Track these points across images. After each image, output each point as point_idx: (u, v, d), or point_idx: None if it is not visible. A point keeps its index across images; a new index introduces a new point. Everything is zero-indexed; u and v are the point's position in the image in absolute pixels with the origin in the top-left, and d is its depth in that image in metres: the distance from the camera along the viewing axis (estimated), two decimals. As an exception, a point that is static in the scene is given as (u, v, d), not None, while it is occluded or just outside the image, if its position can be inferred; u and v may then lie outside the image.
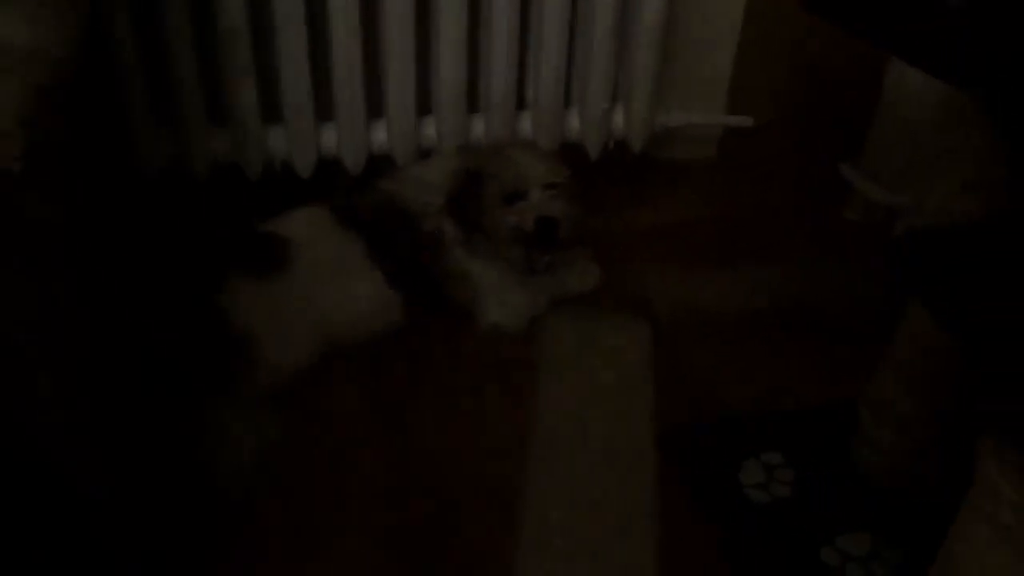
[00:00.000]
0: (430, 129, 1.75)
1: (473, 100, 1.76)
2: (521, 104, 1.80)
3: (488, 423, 1.43)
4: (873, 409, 1.28)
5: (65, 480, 0.86)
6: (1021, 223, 0.92)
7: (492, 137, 1.76)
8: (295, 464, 1.33)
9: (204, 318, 1.35)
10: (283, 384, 1.40)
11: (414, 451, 1.36)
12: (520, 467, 1.34)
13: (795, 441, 1.38)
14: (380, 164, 1.73)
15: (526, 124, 1.80)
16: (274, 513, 1.25)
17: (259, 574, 1.18)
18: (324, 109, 1.68)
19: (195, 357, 1.32)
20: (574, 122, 1.83)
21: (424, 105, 1.74)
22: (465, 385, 1.49)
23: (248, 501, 1.26)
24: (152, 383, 1.19)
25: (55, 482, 0.85)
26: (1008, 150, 0.96)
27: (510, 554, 1.21)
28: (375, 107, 1.71)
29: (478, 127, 1.77)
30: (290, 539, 1.22)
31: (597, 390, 1.49)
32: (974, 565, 0.87)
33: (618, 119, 1.85)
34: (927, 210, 1.18)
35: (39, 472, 0.83)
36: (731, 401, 1.46)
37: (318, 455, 1.35)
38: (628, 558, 1.22)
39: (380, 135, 1.73)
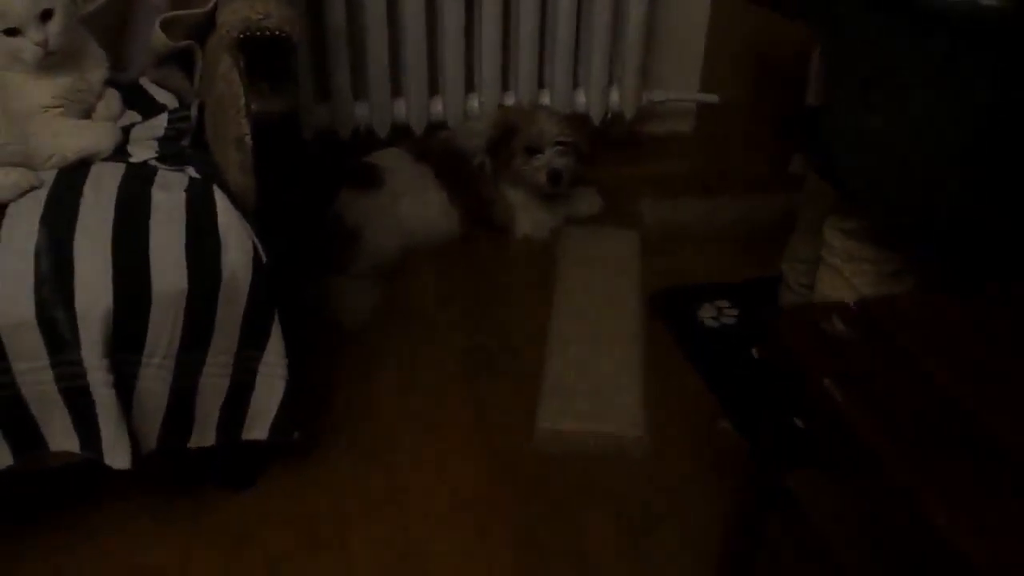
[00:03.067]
0: (474, 102, 2.38)
1: (505, 81, 2.39)
2: (541, 83, 2.43)
3: (524, 296, 2.02)
4: (789, 263, 1.85)
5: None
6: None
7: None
8: (388, 314, 1.92)
9: (330, 219, 1.96)
10: (382, 265, 2.00)
11: (471, 309, 1.95)
12: (548, 318, 1.92)
13: (740, 295, 1.95)
14: (435, 127, 2.35)
15: (545, 99, 2.42)
16: (380, 340, 1.84)
17: (360, 374, 1.75)
18: (397, 87, 2.31)
19: (329, 244, 1.93)
20: (581, 97, 2.45)
21: (470, 84, 2.37)
22: (506, 272, 2.08)
23: (358, 333, 1.85)
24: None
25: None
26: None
27: (544, 366, 1.77)
28: (434, 86, 2.34)
29: (509, 100, 2.40)
30: (386, 355, 1.80)
31: (600, 274, 2.07)
32: (825, 292, 1.45)
33: (614, 95, 2.47)
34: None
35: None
36: (696, 279, 2.04)
37: (406, 309, 1.94)
38: (624, 365, 1.79)
39: (437, 107, 2.36)
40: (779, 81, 2.51)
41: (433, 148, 2.17)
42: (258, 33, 1.25)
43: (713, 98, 2.58)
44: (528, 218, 2.18)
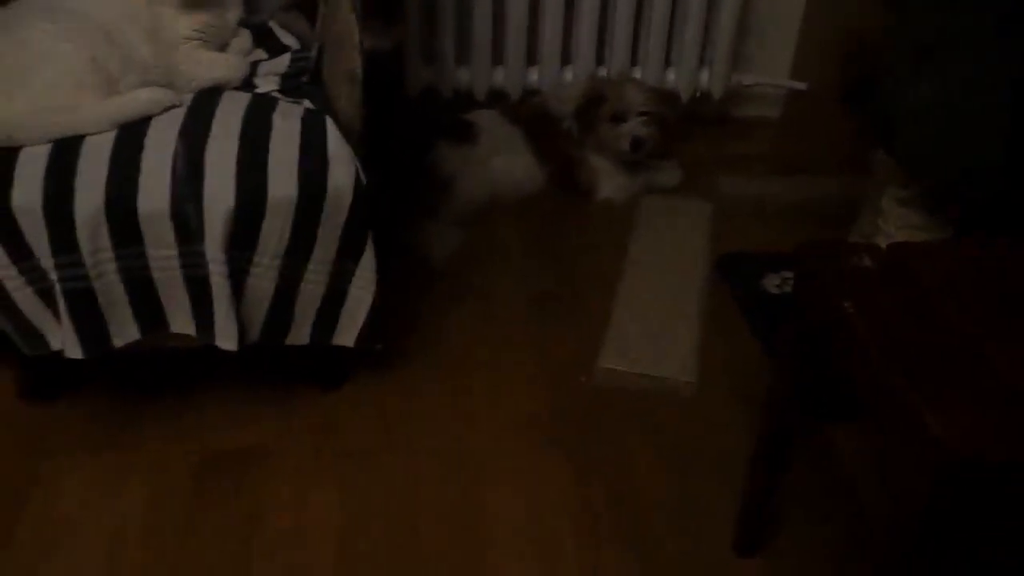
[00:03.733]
0: (569, 74, 2.52)
1: (600, 56, 2.52)
2: (634, 61, 2.55)
3: (598, 253, 2.15)
4: (855, 238, 1.93)
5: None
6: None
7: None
8: (471, 257, 2.08)
9: (426, 167, 2.14)
10: (470, 213, 2.17)
11: (547, 260, 2.10)
12: (618, 274, 2.05)
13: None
14: (531, 94, 2.50)
15: (637, 74, 2.54)
16: (461, 277, 2.01)
17: (441, 306, 1.91)
18: (498, 56, 2.47)
19: (424, 189, 2.11)
20: (672, 76, 2.56)
21: (566, 57, 2.51)
22: (583, 230, 2.22)
23: (443, 271, 2.02)
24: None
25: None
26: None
27: (609, 315, 1.91)
28: (532, 57, 2.49)
29: (601, 74, 2.53)
30: (465, 291, 1.96)
31: (672, 239, 2.19)
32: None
33: (704, 76, 2.58)
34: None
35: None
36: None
37: (487, 254, 2.10)
38: (683, 319, 1.90)
39: (534, 76, 2.51)
40: (868, 72, 2.58)
41: (525, 111, 2.32)
42: (375, -21, 1.43)
43: (802, 85, 2.65)
44: (610, 182, 2.31)
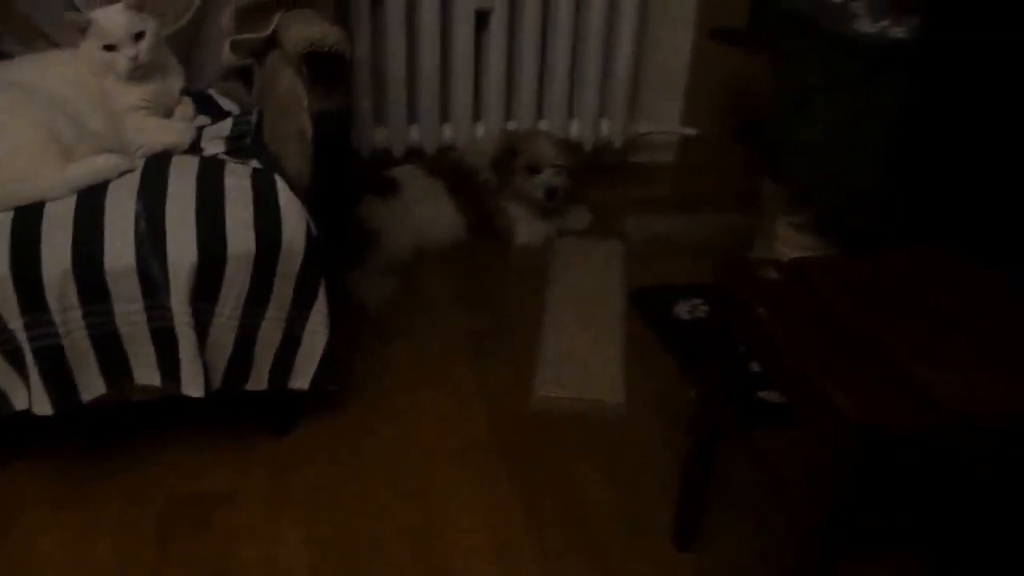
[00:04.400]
0: (481, 129, 2.70)
1: (508, 111, 2.71)
2: (540, 114, 2.75)
3: (522, 292, 2.31)
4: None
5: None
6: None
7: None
8: (402, 302, 2.21)
9: (353, 222, 2.26)
10: (398, 262, 2.30)
11: (475, 301, 2.24)
12: (542, 309, 2.21)
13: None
14: (445, 150, 2.66)
15: (542, 128, 2.74)
16: (396, 322, 2.13)
17: (379, 349, 2.03)
18: (412, 114, 2.63)
19: (353, 241, 2.23)
20: (575, 127, 2.78)
21: (477, 114, 2.69)
22: (505, 272, 2.38)
23: (376, 317, 2.14)
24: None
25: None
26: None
27: (538, 347, 2.06)
28: (445, 114, 2.66)
29: (511, 128, 2.72)
30: (397, 333, 2.08)
31: (588, 275, 2.37)
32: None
33: (605, 126, 2.80)
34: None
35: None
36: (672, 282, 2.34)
37: (419, 299, 2.23)
38: (607, 347, 2.07)
39: (447, 132, 2.68)
40: (752, 116, 2.84)
41: (444, 165, 2.48)
42: (319, 49, 1.56)
43: (692, 131, 2.90)
44: (526, 228, 2.49)
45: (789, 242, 1.73)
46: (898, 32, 1.44)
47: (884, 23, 1.52)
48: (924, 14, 1.38)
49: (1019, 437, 1.06)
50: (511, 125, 2.72)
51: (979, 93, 1.38)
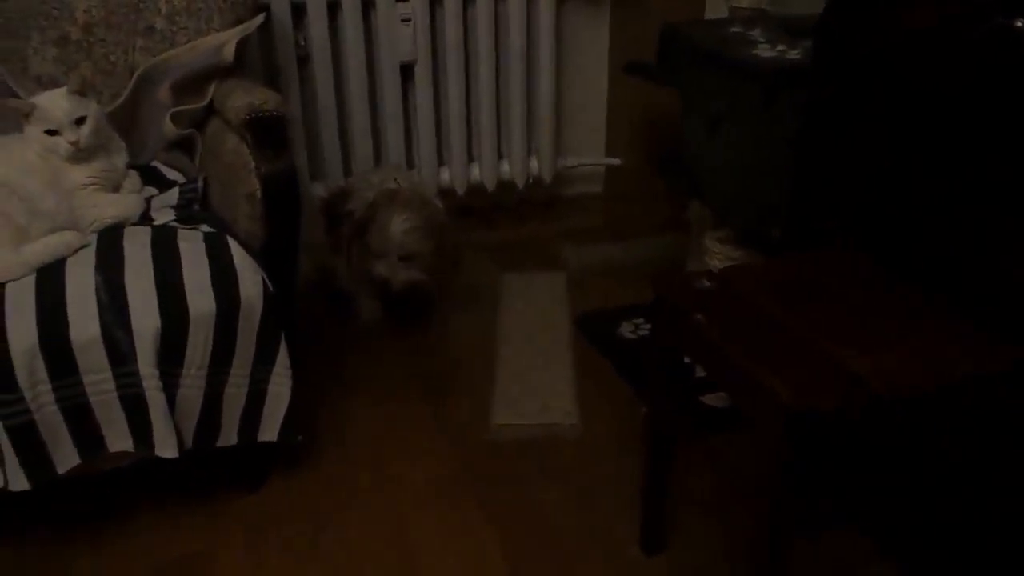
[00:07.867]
0: (415, 177, 2.79)
1: (441, 157, 2.82)
2: (471, 158, 2.86)
3: (474, 324, 2.39)
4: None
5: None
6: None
7: (452, 180, 2.81)
8: (360, 349, 2.27)
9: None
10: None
11: (427, 342, 2.32)
12: (493, 342, 2.30)
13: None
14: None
15: (475, 170, 2.85)
16: (350, 369, 2.19)
17: (341, 399, 2.09)
18: (347, 168, 2.72)
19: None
20: (506, 167, 2.89)
21: (410, 162, 2.79)
22: (457, 312, 2.47)
23: (327, 367, 2.20)
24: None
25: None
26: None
27: (494, 378, 2.15)
28: (379, 164, 2.75)
29: (444, 174, 2.82)
30: (357, 381, 2.14)
31: (535, 307, 2.47)
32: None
33: (534, 163, 2.92)
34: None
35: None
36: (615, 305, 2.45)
37: (373, 344, 2.30)
38: (559, 372, 2.17)
39: (384, 182, 2.76)
40: (669, 142, 3.00)
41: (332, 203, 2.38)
42: (261, 114, 1.64)
43: (616, 161, 3.05)
44: (368, 306, 2.39)
45: (717, 255, 1.85)
46: (794, 55, 1.59)
47: (781, 48, 1.66)
48: (815, 37, 1.53)
49: (934, 410, 1.18)
50: (443, 172, 2.81)
51: (869, 107, 1.52)
